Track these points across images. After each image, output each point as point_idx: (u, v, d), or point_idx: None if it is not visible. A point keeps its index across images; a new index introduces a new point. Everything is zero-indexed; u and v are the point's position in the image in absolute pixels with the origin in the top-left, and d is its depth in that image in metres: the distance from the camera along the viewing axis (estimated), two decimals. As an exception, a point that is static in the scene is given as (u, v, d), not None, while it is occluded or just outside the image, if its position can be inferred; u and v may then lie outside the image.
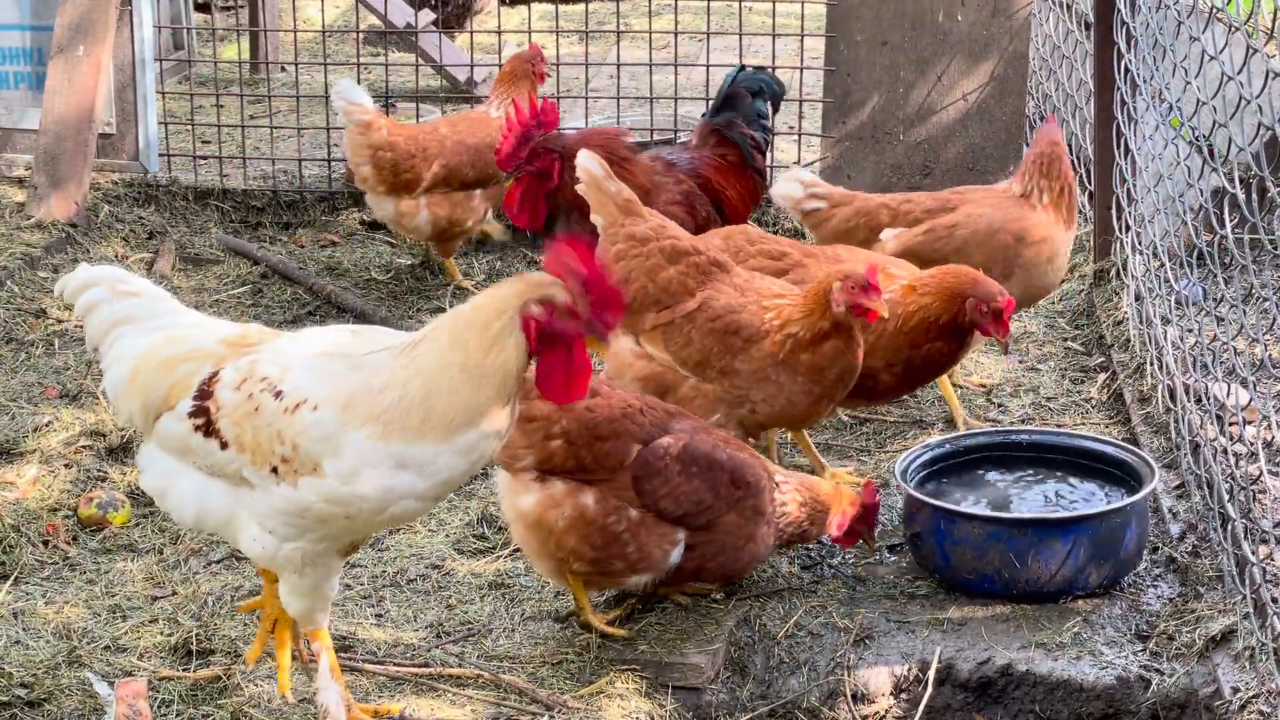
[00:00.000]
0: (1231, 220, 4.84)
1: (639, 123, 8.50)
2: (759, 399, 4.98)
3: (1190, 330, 5.46)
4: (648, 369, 5.08)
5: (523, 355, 3.64)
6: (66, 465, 5.49)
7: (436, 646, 4.52)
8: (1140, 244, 6.26)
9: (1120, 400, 5.87)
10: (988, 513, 4.81)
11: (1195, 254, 5.69)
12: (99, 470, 5.50)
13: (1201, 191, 5.50)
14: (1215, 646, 4.40)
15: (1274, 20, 4.69)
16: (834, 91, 7.81)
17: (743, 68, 6.72)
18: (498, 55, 8.84)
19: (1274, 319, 4.47)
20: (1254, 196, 4.59)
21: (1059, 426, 5.70)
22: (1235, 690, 4.19)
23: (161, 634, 4.54)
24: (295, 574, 3.87)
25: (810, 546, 5.00)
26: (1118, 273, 6.60)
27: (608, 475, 4.43)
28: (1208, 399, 5.08)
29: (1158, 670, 4.42)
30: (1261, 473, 4.69)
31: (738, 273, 5.15)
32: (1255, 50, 4.73)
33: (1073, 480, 5.08)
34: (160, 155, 8.19)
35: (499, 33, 8.90)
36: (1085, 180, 7.30)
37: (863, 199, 6.06)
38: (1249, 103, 4.61)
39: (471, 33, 11.16)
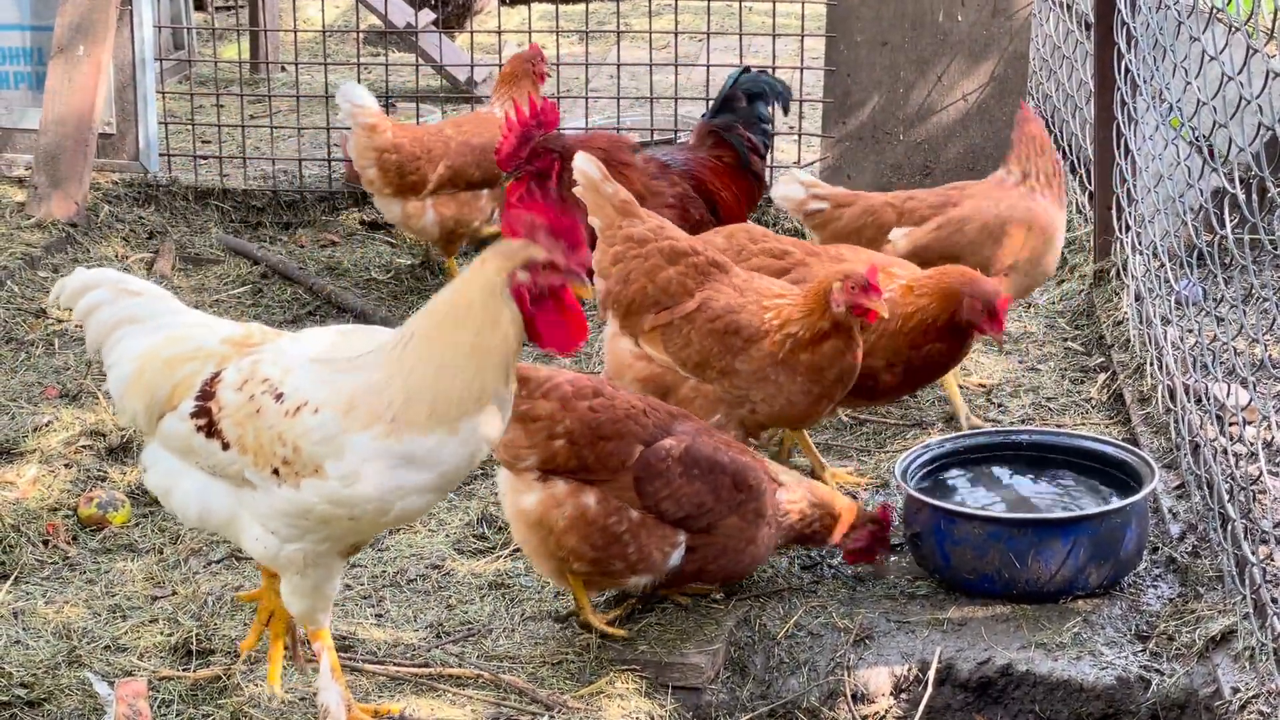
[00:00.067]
0: (1231, 220, 4.84)
1: (639, 123, 8.51)
2: (759, 399, 4.98)
3: (1190, 330, 5.46)
4: (647, 370, 5.08)
5: (519, 325, 3.66)
6: (66, 465, 5.49)
7: (436, 646, 4.52)
8: (1140, 244, 6.26)
9: (1120, 400, 5.87)
10: (988, 513, 4.81)
11: (1195, 254, 5.69)
12: (99, 470, 5.50)
13: (1201, 192, 5.50)
14: (1215, 647, 4.40)
15: (1274, 20, 4.69)
16: (834, 91, 7.82)
17: (747, 69, 6.71)
18: (498, 55, 8.84)
19: (1274, 319, 4.47)
20: (1254, 197, 4.59)
21: (1059, 426, 5.70)
22: (1235, 690, 4.19)
23: (161, 634, 4.54)
24: (297, 574, 3.88)
25: (814, 547, 5.00)
26: (1118, 273, 6.60)
27: (610, 476, 4.43)
28: (1208, 399, 5.08)
29: (1158, 670, 4.42)
30: (1261, 473, 4.69)
31: (737, 273, 5.15)
32: (1255, 50, 4.73)
33: (1069, 479, 5.09)
34: (160, 155, 8.19)
35: (499, 33, 8.90)
36: (1085, 180, 7.31)
37: (867, 198, 6.07)
38: (1249, 103, 4.61)
39: (471, 33, 11.17)
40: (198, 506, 3.93)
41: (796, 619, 4.68)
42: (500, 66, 8.82)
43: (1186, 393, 5.28)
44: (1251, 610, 4.33)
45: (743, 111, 6.48)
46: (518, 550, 4.96)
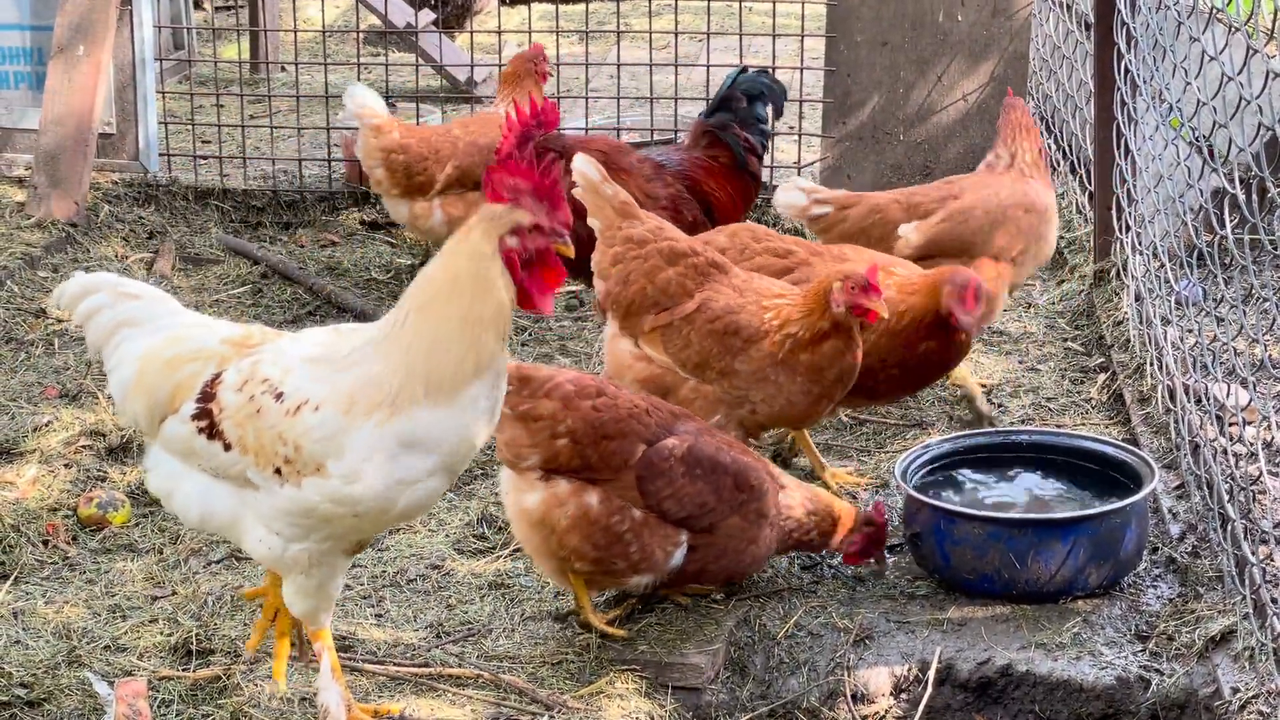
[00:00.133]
0: (1231, 221, 4.84)
1: (639, 123, 8.51)
2: (759, 399, 4.98)
3: (1190, 331, 5.46)
4: (647, 371, 5.08)
5: (512, 291, 3.67)
6: (66, 465, 5.49)
7: (436, 646, 4.52)
8: (1140, 244, 6.26)
9: (1120, 401, 5.87)
10: (987, 513, 4.81)
11: (1195, 254, 5.69)
12: (99, 470, 5.50)
13: (1201, 192, 5.50)
14: (1215, 647, 4.40)
15: (1274, 21, 4.69)
16: (834, 92, 7.82)
17: (745, 69, 6.71)
18: (498, 55, 8.85)
19: (1274, 319, 4.47)
20: (1254, 197, 4.59)
21: (1059, 427, 5.70)
22: (1235, 690, 4.19)
23: (161, 634, 4.54)
24: (301, 574, 3.87)
25: (813, 550, 5.00)
26: (1118, 273, 6.60)
27: (612, 475, 4.43)
28: (1207, 399, 5.08)
29: (1157, 670, 4.41)
30: (1261, 473, 4.69)
31: (736, 273, 5.15)
32: (1255, 51, 4.73)
33: (1067, 480, 5.09)
34: (160, 155, 8.20)
35: (499, 33, 8.91)
36: (1085, 180, 7.31)
37: (869, 198, 6.08)
38: (1249, 103, 4.61)
39: (471, 33, 11.17)
40: (200, 509, 3.93)
41: (796, 619, 4.68)
42: (500, 66, 8.84)
43: (1186, 393, 5.28)
44: (1251, 610, 4.33)
45: (740, 112, 6.48)
46: (517, 550, 4.96)
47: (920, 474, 5.05)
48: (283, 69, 10.28)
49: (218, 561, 5.02)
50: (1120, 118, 6.47)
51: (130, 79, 7.98)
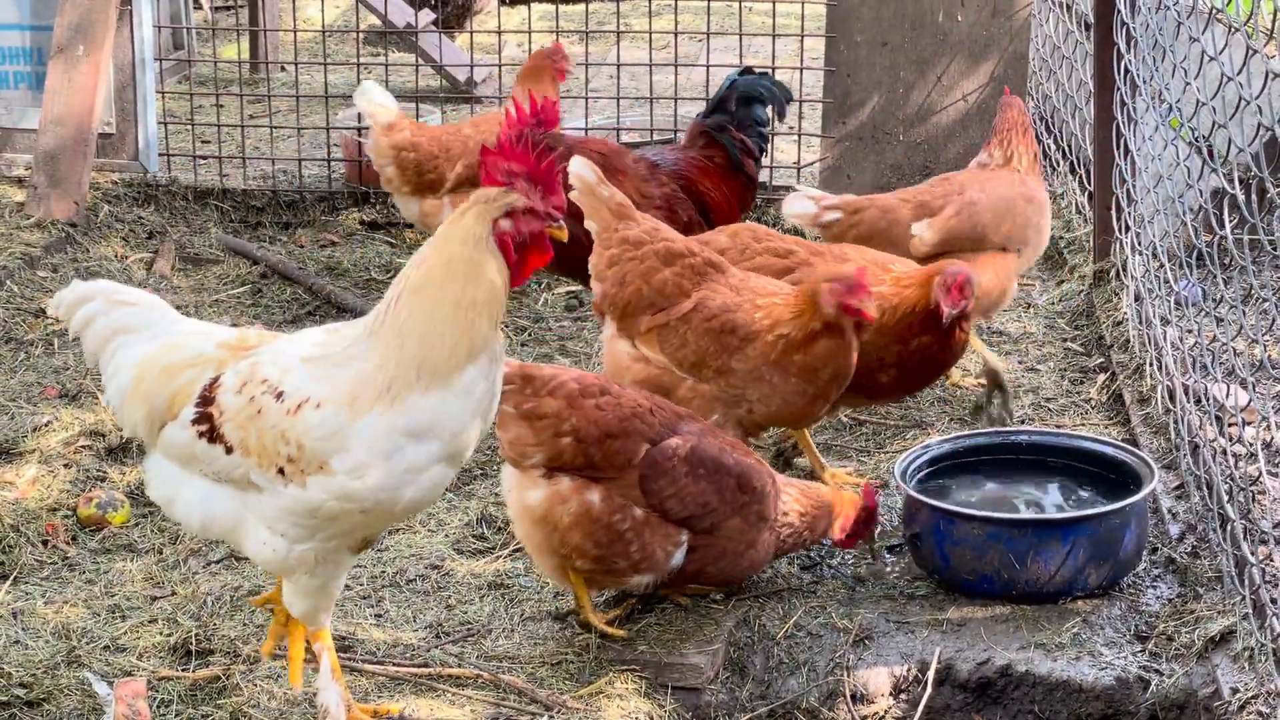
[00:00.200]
0: (1231, 221, 4.84)
1: (639, 123, 8.51)
2: (755, 399, 4.98)
3: (1190, 331, 5.46)
4: (645, 372, 5.09)
5: (506, 274, 3.67)
6: (66, 465, 5.49)
7: (436, 647, 4.52)
8: (1140, 245, 6.26)
9: (1120, 401, 5.87)
10: (987, 513, 4.80)
11: (1195, 255, 5.69)
12: (98, 470, 5.50)
13: (1201, 192, 5.50)
14: (1214, 647, 4.40)
15: (1274, 21, 4.69)
16: (834, 92, 7.82)
17: (748, 70, 6.70)
18: (498, 55, 8.86)
19: (1273, 320, 4.47)
20: (1253, 197, 4.59)
21: (1058, 427, 5.70)
22: (1234, 691, 4.19)
23: (161, 634, 4.54)
24: (306, 574, 3.87)
25: (810, 547, 5.00)
26: (1117, 273, 6.60)
27: (615, 473, 4.43)
28: (1207, 400, 5.08)
29: (1157, 671, 4.41)
30: (1261, 473, 4.69)
31: (733, 273, 5.15)
32: (1255, 51, 4.73)
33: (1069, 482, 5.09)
34: (160, 155, 8.20)
35: (499, 33, 8.91)
36: (1085, 181, 7.31)
37: (877, 200, 6.09)
38: (1248, 103, 4.61)
39: (471, 33, 11.17)
40: (201, 514, 3.92)
41: (796, 619, 4.68)
42: (501, 66, 8.85)
43: (1186, 393, 5.28)
44: (1251, 611, 4.33)
45: (738, 113, 6.47)
46: (517, 550, 4.96)
47: (920, 474, 5.05)
48: (282, 69, 10.28)
49: (217, 562, 5.02)
50: (1120, 118, 6.47)
51: (130, 79, 7.99)
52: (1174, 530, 4.97)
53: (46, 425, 5.71)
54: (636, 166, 6.27)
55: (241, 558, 4.93)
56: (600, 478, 4.43)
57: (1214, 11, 5.56)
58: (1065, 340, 6.57)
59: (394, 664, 4.42)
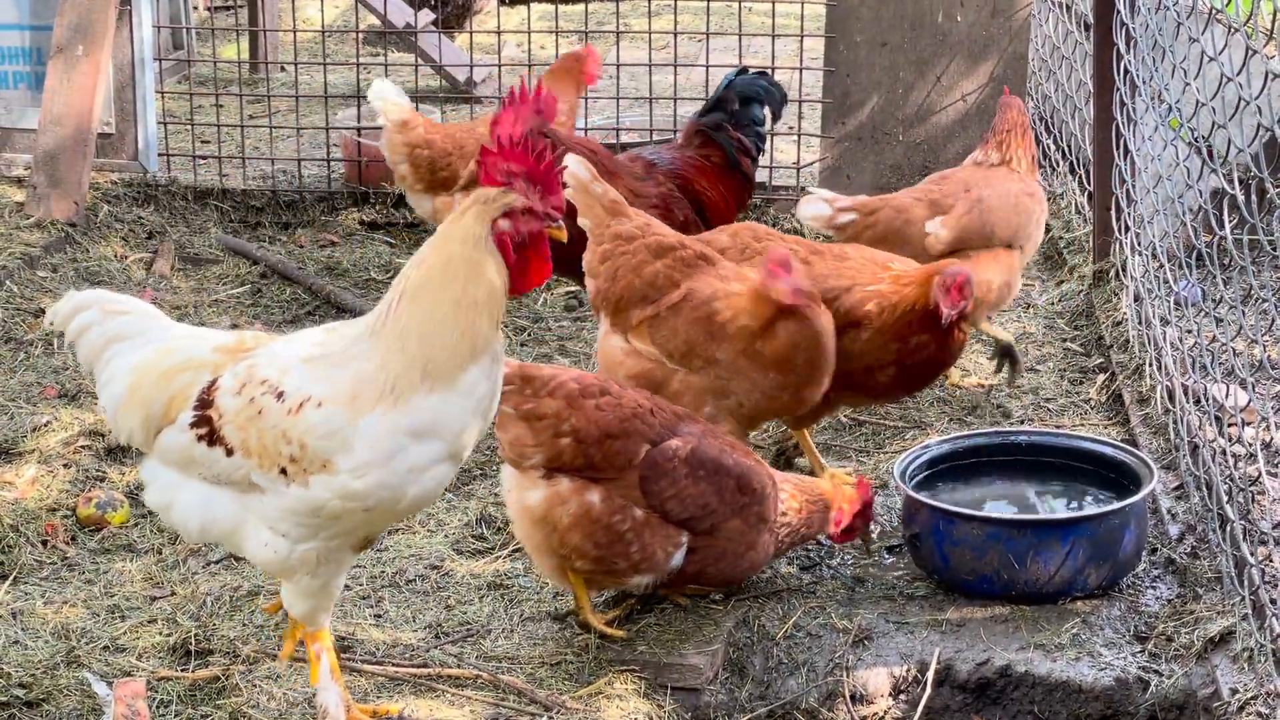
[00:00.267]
0: (1230, 221, 4.84)
1: (638, 123, 8.51)
2: (740, 390, 4.96)
3: (1189, 331, 5.47)
4: (638, 366, 5.08)
5: (505, 274, 3.68)
6: (65, 465, 5.49)
7: (435, 647, 4.52)
8: (1139, 245, 6.26)
9: (1119, 401, 5.87)
10: (986, 514, 4.81)
11: (1194, 255, 5.69)
12: (98, 470, 5.50)
13: (1201, 192, 5.50)
14: (1214, 648, 4.40)
15: (1273, 21, 4.69)
16: (833, 92, 7.82)
17: (744, 70, 6.70)
18: (497, 55, 8.86)
19: (1273, 320, 4.47)
20: (1253, 198, 4.59)
21: (1058, 427, 5.70)
22: (1234, 691, 4.19)
23: (160, 634, 4.54)
24: (308, 574, 3.86)
25: (809, 547, 5.00)
26: (1117, 274, 6.60)
27: (615, 474, 4.43)
28: (1206, 400, 5.08)
29: (1156, 671, 4.41)
30: (1260, 474, 4.69)
31: (723, 264, 5.14)
32: (1254, 51, 4.73)
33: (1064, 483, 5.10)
34: (159, 155, 8.20)
35: (499, 33, 8.90)
36: (1085, 181, 7.31)
37: (891, 199, 6.09)
38: (1248, 104, 4.61)
39: (471, 33, 11.17)
40: (200, 518, 3.90)
41: (795, 620, 4.68)
42: (500, 67, 8.86)
43: (1185, 393, 5.28)
44: (1250, 611, 4.33)
45: (736, 113, 6.47)
46: (517, 551, 4.96)
47: (919, 475, 5.05)
48: (282, 69, 10.28)
49: (216, 562, 5.02)
50: (1119, 118, 6.47)
51: (129, 79, 7.99)
52: (1173, 531, 4.97)
53: (46, 425, 5.71)
54: (632, 165, 6.27)
55: (241, 558, 4.93)
56: (600, 478, 4.43)
57: (1214, 12, 5.56)
58: (1065, 340, 6.57)
59: (393, 664, 4.42)
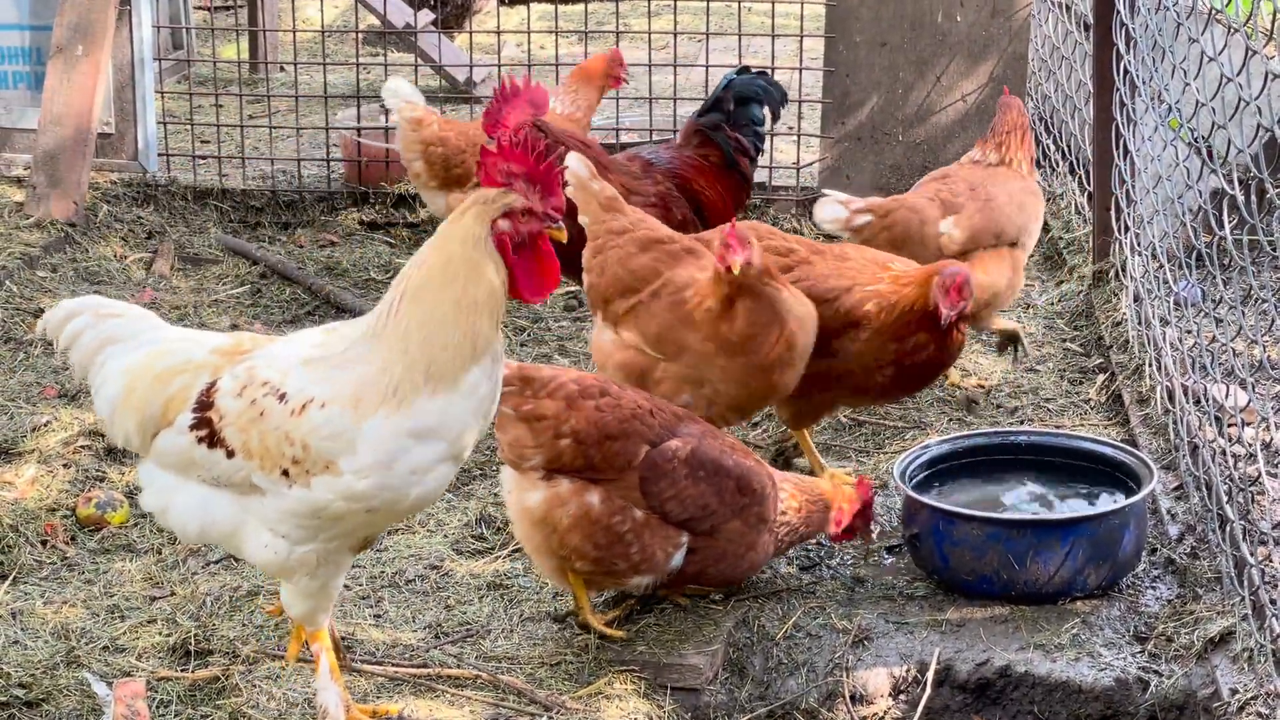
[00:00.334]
0: (1230, 222, 4.84)
1: (638, 123, 8.51)
2: (713, 378, 4.94)
3: (1189, 331, 5.47)
4: (623, 355, 5.09)
5: (504, 274, 3.68)
6: (65, 465, 5.49)
7: (435, 647, 4.52)
8: (1139, 245, 6.26)
9: (1119, 401, 5.87)
10: (986, 514, 4.80)
11: (1194, 255, 5.69)
12: (97, 470, 5.50)
13: (1200, 193, 5.50)
14: (1214, 648, 4.40)
15: (1273, 22, 4.69)
16: (833, 92, 7.82)
17: (745, 69, 6.69)
18: (497, 55, 8.86)
19: (1272, 320, 4.47)
20: (1253, 198, 4.58)
21: (1058, 427, 5.70)
22: (1234, 692, 4.19)
23: (160, 634, 4.54)
24: (307, 576, 3.86)
25: (809, 547, 5.00)
26: (1117, 274, 6.60)
27: (615, 475, 4.43)
28: (1206, 400, 5.08)
29: (1156, 672, 4.41)
30: (1260, 474, 4.69)
31: (706, 256, 5.13)
32: (1254, 52, 4.73)
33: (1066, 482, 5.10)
34: (159, 155, 8.20)
35: (498, 33, 8.90)
36: (1084, 181, 7.31)
37: (905, 200, 6.09)
38: (1248, 104, 4.61)
39: (471, 33, 11.17)
40: (199, 520, 3.89)
41: (795, 620, 4.68)
42: (500, 67, 8.86)
43: (1185, 394, 5.28)
44: (1250, 611, 4.33)
45: (734, 112, 6.47)
46: (516, 551, 4.96)
47: (919, 475, 5.05)
48: (281, 69, 10.28)
49: (216, 562, 5.02)
50: (1119, 118, 6.47)
51: (129, 79, 7.99)
52: (1173, 531, 4.97)
53: (46, 425, 5.71)
54: (630, 164, 6.28)
55: (240, 559, 4.93)
56: (600, 479, 4.43)
57: (1213, 12, 5.56)
58: (1064, 341, 6.58)
59: (393, 664, 4.42)
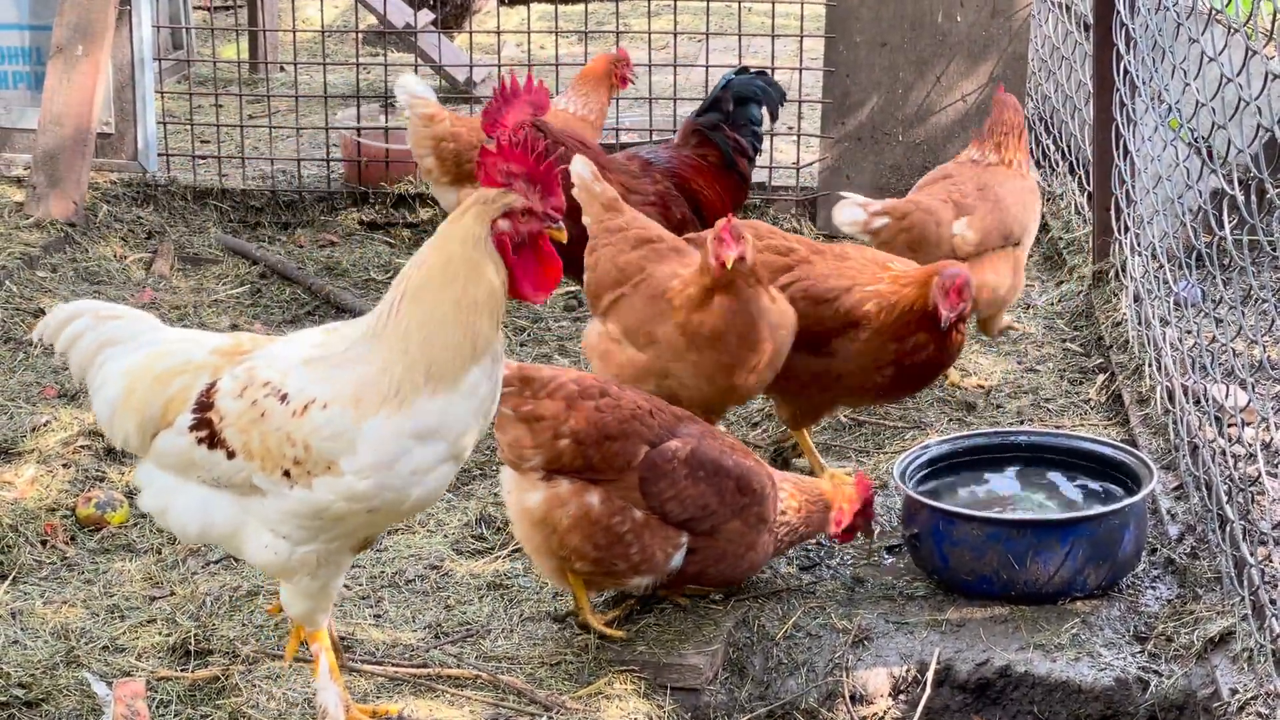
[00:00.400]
0: (1230, 222, 4.84)
1: (638, 123, 8.51)
2: (678, 370, 4.93)
3: (1189, 332, 5.47)
4: (603, 345, 5.12)
5: (504, 274, 3.68)
6: (65, 465, 5.49)
7: (435, 647, 4.52)
8: (1139, 245, 6.26)
9: (1119, 401, 5.87)
10: (986, 514, 4.81)
11: (1194, 255, 5.69)
12: (97, 470, 5.50)
13: (1200, 193, 5.50)
14: (1214, 648, 4.40)
15: (1273, 22, 4.69)
16: (833, 92, 7.82)
17: (744, 69, 6.69)
18: (497, 55, 8.86)
19: (1272, 320, 4.47)
20: (1253, 198, 4.59)
21: (1058, 427, 5.70)
22: (1233, 692, 4.19)
23: (160, 634, 4.54)
24: (307, 576, 3.86)
25: (809, 547, 5.00)
26: (1117, 274, 6.60)
27: (615, 475, 4.43)
28: (1206, 400, 5.08)
29: (1156, 672, 4.41)
30: (1260, 474, 4.69)
31: (693, 254, 5.13)
32: (1254, 52, 4.73)
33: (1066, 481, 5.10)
34: (159, 155, 8.20)
35: (498, 33, 8.90)
36: (1084, 181, 7.31)
37: (919, 201, 6.08)
38: (1248, 104, 4.61)
39: (471, 33, 11.17)
40: (199, 521, 3.89)
41: (795, 620, 4.68)
42: (499, 67, 8.85)
43: (1185, 394, 5.28)
44: (1250, 612, 4.33)
45: (733, 112, 6.47)
46: (516, 551, 4.96)
47: (919, 475, 5.05)
48: (281, 69, 10.28)
49: (216, 562, 5.02)
50: (1119, 119, 6.47)
51: (129, 79, 7.98)
52: (1173, 531, 4.97)
53: (45, 425, 5.71)
54: (629, 164, 6.28)
55: (240, 559, 4.93)
56: (599, 480, 4.43)
57: (1214, 12, 5.56)
58: (1064, 341, 6.58)
59: (393, 664, 4.42)
